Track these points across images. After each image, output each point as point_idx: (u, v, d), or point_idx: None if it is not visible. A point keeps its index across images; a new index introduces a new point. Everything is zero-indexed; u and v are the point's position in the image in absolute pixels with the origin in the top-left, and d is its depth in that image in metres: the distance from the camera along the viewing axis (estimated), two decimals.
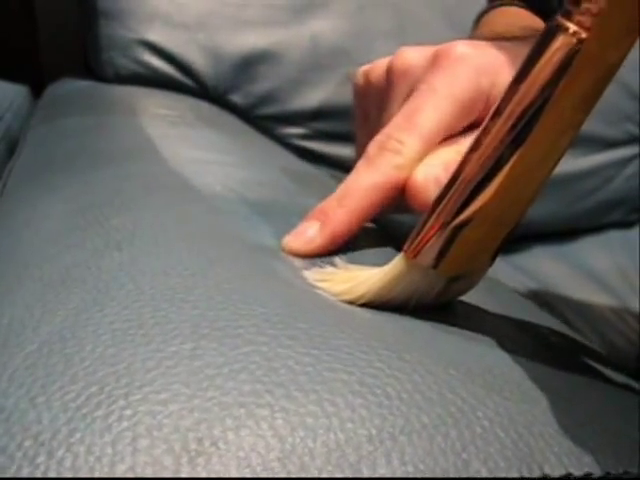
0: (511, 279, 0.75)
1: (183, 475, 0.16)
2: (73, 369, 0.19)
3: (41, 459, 0.16)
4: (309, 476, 0.17)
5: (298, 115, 0.72)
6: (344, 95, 0.72)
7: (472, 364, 0.22)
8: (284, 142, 0.70)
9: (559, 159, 0.24)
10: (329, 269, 0.26)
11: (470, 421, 0.19)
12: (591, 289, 0.77)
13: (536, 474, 0.19)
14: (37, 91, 0.71)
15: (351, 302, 0.24)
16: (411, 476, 0.17)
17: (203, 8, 0.68)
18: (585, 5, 0.21)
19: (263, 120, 0.70)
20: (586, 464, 0.20)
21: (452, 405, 0.20)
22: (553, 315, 0.69)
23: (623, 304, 0.74)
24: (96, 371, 0.19)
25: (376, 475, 0.17)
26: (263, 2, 0.70)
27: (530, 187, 0.24)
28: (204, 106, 0.64)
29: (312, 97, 0.72)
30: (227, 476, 0.16)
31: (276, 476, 0.17)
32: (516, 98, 0.22)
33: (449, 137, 0.30)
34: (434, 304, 0.25)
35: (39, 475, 0.16)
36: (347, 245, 0.29)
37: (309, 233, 0.28)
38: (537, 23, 0.50)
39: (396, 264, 0.25)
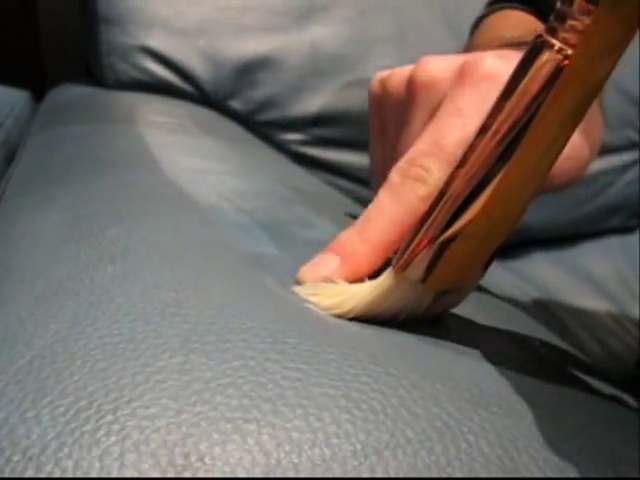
0: (510, 284, 0.75)
1: None
2: (63, 383, 0.19)
3: (29, 473, 0.17)
4: None
5: (298, 121, 0.72)
6: (344, 101, 0.73)
7: (459, 378, 0.22)
8: (283, 148, 0.70)
9: (547, 174, 0.24)
10: (319, 283, 0.26)
11: (455, 436, 0.20)
12: (590, 295, 0.77)
13: None
14: (39, 95, 0.71)
15: (340, 316, 0.25)
16: None
17: (203, 14, 0.68)
18: (570, 22, 0.21)
19: (263, 126, 0.70)
20: (571, 478, 0.20)
21: (437, 420, 0.20)
22: (552, 320, 0.70)
23: (622, 310, 0.75)
24: (86, 385, 0.19)
25: None
26: (263, 8, 0.70)
27: (518, 202, 0.24)
28: (203, 112, 0.64)
29: (312, 103, 0.72)
30: None
31: None
32: (502, 114, 0.23)
33: None
34: (423, 318, 0.25)
35: None
36: None
37: (328, 268, 0.26)
38: (540, 27, 0.50)
39: (385, 278, 0.25)
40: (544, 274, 0.79)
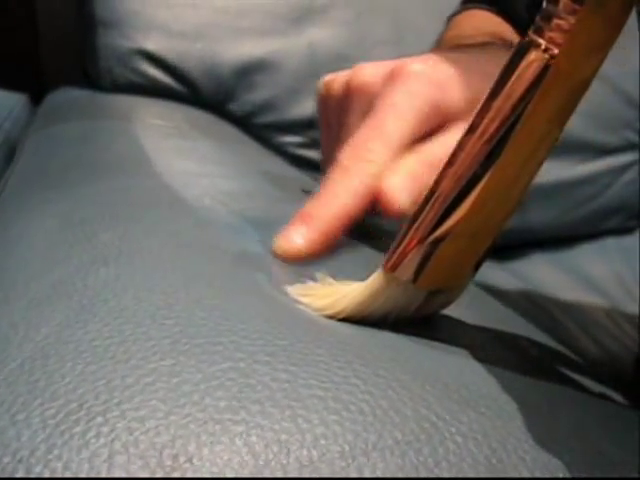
0: (508, 285, 0.75)
1: None
2: (54, 386, 0.19)
3: (19, 475, 0.17)
4: None
5: (296, 123, 0.72)
6: None
7: (449, 379, 0.22)
8: (281, 150, 0.70)
9: (535, 173, 0.24)
10: (311, 284, 0.26)
11: (444, 437, 0.20)
12: (588, 296, 0.77)
13: None
14: (37, 98, 0.71)
15: (331, 317, 0.25)
16: None
17: (201, 17, 0.68)
18: (556, 21, 0.22)
19: (260, 129, 0.70)
20: (560, 479, 0.20)
21: (426, 421, 0.20)
22: (549, 321, 0.70)
23: (620, 311, 0.75)
24: (76, 388, 0.19)
25: None
26: (260, 11, 0.70)
27: (507, 202, 0.24)
28: (200, 116, 0.64)
29: (310, 105, 0.72)
30: None
31: None
32: (490, 114, 0.23)
33: (410, 146, 0.32)
34: (414, 318, 0.26)
35: None
36: (329, 259, 0.29)
37: (299, 233, 0.29)
38: (503, 27, 0.53)
39: (375, 278, 0.25)
40: (542, 275, 0.79)
